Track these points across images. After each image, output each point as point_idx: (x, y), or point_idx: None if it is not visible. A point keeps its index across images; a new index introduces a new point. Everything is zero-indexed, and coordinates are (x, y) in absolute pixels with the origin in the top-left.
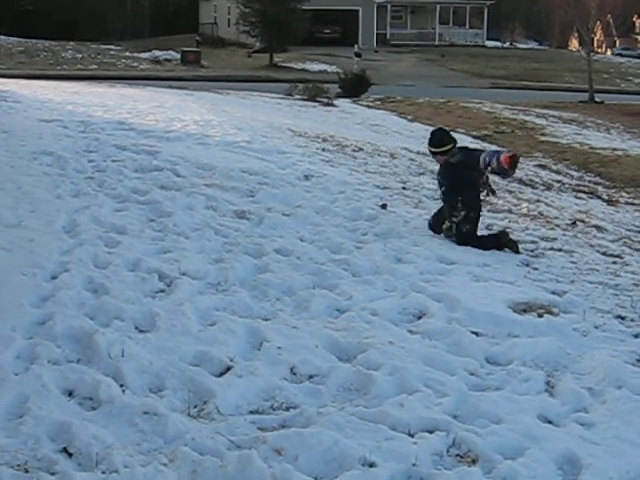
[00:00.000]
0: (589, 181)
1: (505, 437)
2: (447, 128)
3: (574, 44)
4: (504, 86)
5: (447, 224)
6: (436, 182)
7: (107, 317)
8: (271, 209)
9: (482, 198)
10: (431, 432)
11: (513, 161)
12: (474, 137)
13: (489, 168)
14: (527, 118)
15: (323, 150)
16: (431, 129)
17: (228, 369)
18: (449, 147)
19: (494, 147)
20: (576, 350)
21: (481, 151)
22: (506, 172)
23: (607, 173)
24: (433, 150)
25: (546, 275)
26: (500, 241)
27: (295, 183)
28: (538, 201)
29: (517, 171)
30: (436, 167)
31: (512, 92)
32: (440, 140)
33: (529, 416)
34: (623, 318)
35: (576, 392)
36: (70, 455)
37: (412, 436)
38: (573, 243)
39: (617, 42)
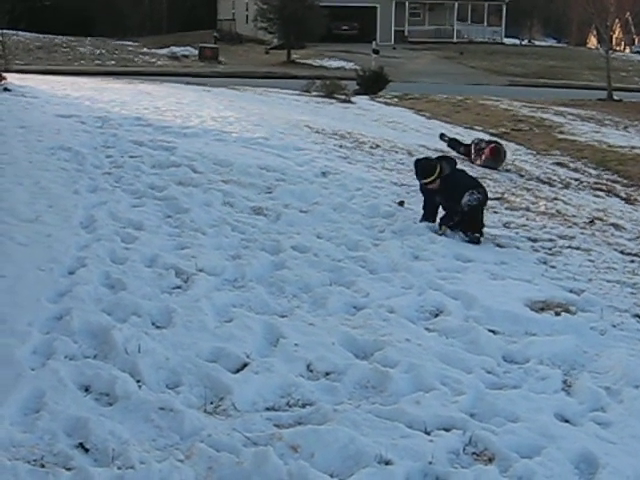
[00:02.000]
0: (607, 179)
1: (522, 436)
2: (465, 125)
3: (592, 42)
4: (522, 84)
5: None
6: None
7: (124, 313)
8: (288, 206)
9: None
10: (447, 430)
11: (495, 152)
12: (492, 134)
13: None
14: (545, 116)
15: (340, 147)
16: (449, 127)
17: (244, 365)
18: (438, 170)
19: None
20: (593, 349)
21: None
22: (494, 163)
23: (625, 171)
24: (426, 182)
25: (564, 273)
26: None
27: (312, 180)
28: (556, 199)
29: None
30: None
31: (530, 90)
32: (427, 168)
33: (546, 415)
34: None
35: (593, 391)
36: (86, 451)
37: (428, 434)
38: (591, 241)
39: (636, 40)
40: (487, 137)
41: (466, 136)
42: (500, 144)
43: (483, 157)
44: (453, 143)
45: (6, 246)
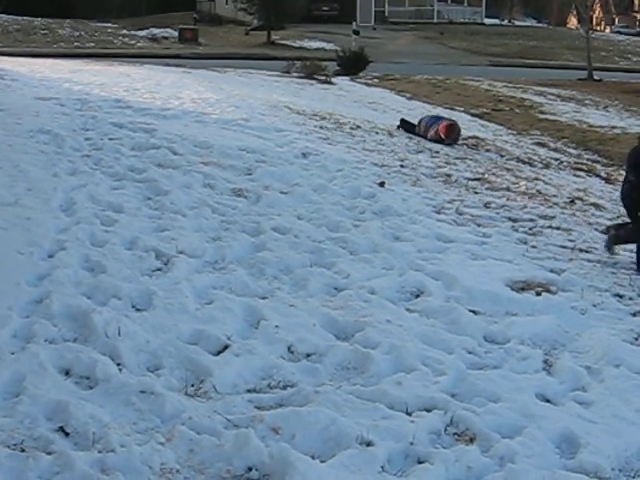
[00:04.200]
0: (587, 159)
1: (503, 416)
2: (446, 106)
3: (573, 22)
4: (503, 64)
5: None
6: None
7: (104, 296)
8: (268, 187)
9: None
10: (429, 411)
11: (449, 130)
12: (472, 115)
13: (429, 135)
14: (525, 96)
15: (321, 128)
16: (429, 107)
17: (225, 348)
18: None
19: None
20: (574, 328)
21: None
22: (444, 141)
23: (605, 151)
24: None
25: (544, 253)
26: None
27: (293, 161)
28: (536, 179)
29: (459, 139)
30: (434, 146)
31: (511, 70)
32: None
33: (527, 395)
34: (621, 296)
35: (574, 371)
36: (67, 434)
37: (410, 415)
38: (571, 221)
39: (616, 20)
40: (469, 118)
41: (446, 116)
42: (455, 124)
43: (433, 132)
44: (405, 125)
45: None
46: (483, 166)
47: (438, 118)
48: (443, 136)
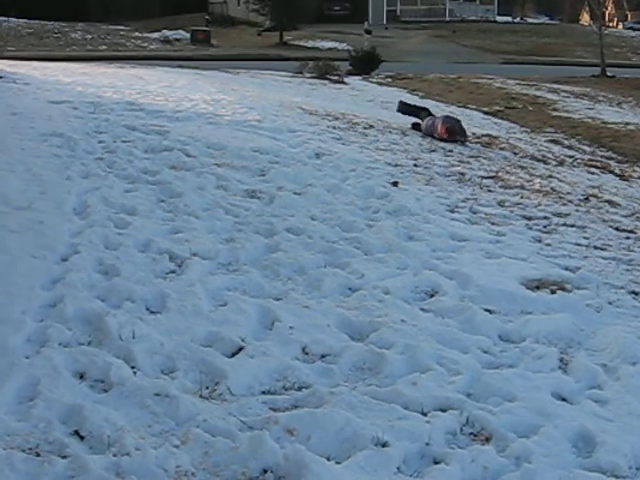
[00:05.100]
0: (601, 156)
1: (519, 415)
2: (459, 104)
3: (585, 18)
4: (515, 61)
5: None
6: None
7: (118, 299)
8: (282, 188)
9: None
10: (444, 411)
11: (450, 132)
12: (485, 113)
13: (435, 135)
14: (539, 93)
15: (334, 128)
16: (443, 106)
17: (240, 349)
18: None
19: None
20: (590, 326)
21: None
22: (451, 140)
23: (619, 148)
24: None
25: (559, 251)
26: None
27: (306, 161)
28: (550, 177)
29: (466, 136)
30: (447, 145)
31: (523, 67)
32: None
33: (543, 393)
34: (637, 294)
35: (590, 369)
36: (81, 438)
37: (425, 415)
38: (586, 219)
39: (629, 16)
40: (482, 116)
41: (460, 114)
42: (453, 122)
43: (436, 135)
44: (407, 108)
45: None
46: (497, 164)
47: (433, 119)
48: (447, 137)
